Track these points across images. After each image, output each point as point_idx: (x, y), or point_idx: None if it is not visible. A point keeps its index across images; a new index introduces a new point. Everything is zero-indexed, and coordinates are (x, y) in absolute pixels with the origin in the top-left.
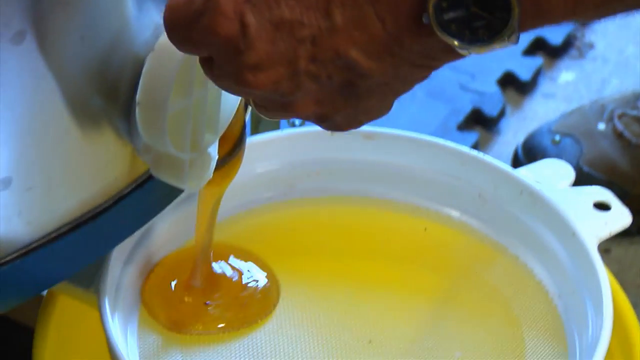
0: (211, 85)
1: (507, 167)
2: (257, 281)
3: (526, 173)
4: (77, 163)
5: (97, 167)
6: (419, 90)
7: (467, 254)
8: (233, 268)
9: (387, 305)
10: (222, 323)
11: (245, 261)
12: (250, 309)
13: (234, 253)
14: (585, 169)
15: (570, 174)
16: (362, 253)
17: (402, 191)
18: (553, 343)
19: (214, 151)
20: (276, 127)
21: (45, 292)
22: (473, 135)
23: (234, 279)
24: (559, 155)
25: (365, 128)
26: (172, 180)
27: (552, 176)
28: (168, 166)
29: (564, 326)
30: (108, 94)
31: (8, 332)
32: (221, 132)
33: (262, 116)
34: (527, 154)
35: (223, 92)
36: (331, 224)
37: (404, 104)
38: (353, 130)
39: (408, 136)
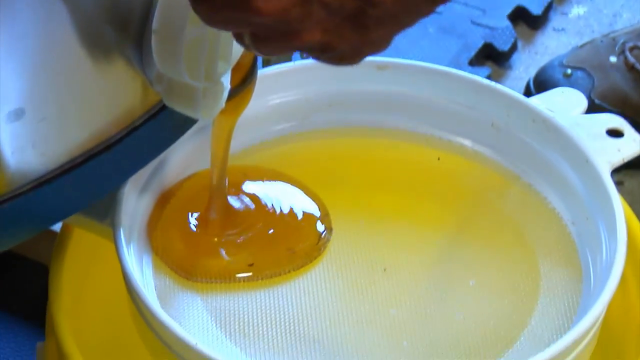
0: None
1: (520, 96)
2: (298, 212)
3: (539, 101)
4: (90, 94)
5: (109, 98)
6: (430, 26)
7: (480, 182)
8: (261, 195)
9: (401, 234)
10: (245, 271)
11: (283, 187)
12: (285, 248)
13: (266, 176)
14: (597, 101)
15: (582, 101)
16: (376, 183)
17: (415, 121)
18: (567, 269)
19: (226, 81)
20: (288, 59)
21: (59, 227)
22: (485, 70)
23: (264, 208)
24: None
25: (379, 58)
26: (186, 110)
27: (564, 104)
28: (181, 95)
29: (578, 252)
30: (120, 24)
31: (24, 270)
32: (234, 61)
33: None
34: (539, 87)
35: None
36: (345, 155)
37: (415, 39)
38: (366, 61)
39: (421, 66)
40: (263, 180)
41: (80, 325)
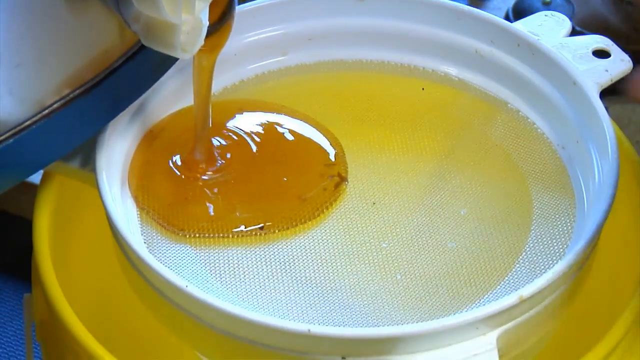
0: None
1: (503, 21)
2: (309, 150)
3: (522, 26)
4: (65, 37)
5: (85, 41)
6: None
7: (467, 111)
8: (263, 131)
9: (388, 167)
10: (239, 223)
11: (288, 121)
12: (296, 197)
13: (267, 109)
14: (577, 28)
15: (566, 24)
16: (360, 117)
17: (397, 52)
18: (560, 194)
19: (205, 17)
20: None
21: (40, 177)
22: (462, 1)
23: (267, 146)
24: None
25: None
26: (165, 48)
27: (548, 27)
28: (160, 33)
29: (569, 177)
30: None
31: (5, 225)
32: None
33: None
34: (518, 16)
35: None
36: (327, 90)
37: None
38: None
39: None
40: (264, 115)
41: (67, 274)
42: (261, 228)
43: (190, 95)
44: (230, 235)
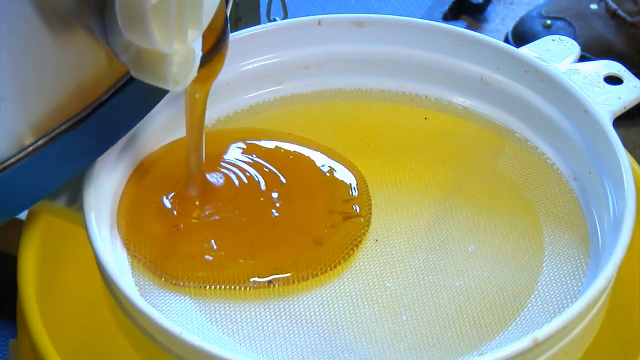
0: None
1: (509, 46)
2: (325, 184)
3: (528, 51)
4: (50, 69)
5: (71, 73)
6: None
7: (472, 141)
8: (271, 165)
9: (391, 201)
10: (242, 273)
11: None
12: (311, 240)
13: (273, 138)
14: (580, 52)
15: (575, 49)
16: (360, 148)
17: (397, 80)
18: (572, 228)
19: (197, 47)
20: (257, 23)
21: (25, 216)
22: (460, 25)
23: (275, 182)
24: None
25: (355, 15)
26: (156, 80)
27: (556, 52)
28: (151, 65)
29: (582, 210)
30: None
31: None
32: (205, 26)
33: None
34: (518, 40)
35: None
36: (325, 120)
37: None
38: (342, 18)
39: (401, 20)
40: (269, 143)
41: (55, 317)
42: (269, 282)
43: (183, 126)
44: (232, 288)
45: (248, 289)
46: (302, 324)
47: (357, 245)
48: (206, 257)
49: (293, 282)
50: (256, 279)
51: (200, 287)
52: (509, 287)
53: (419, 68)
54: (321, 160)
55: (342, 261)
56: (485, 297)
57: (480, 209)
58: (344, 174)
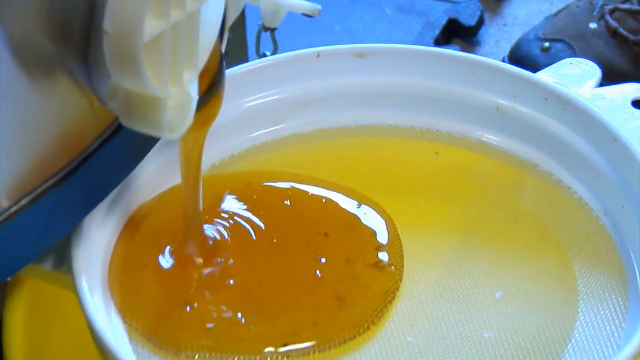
0: (189, 5)
1: (526, 72)
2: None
3: (546, 76)
4: (30, 121)
5: (54, 124)
6: (386, 6)
7: (490, 177)
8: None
9: (405, 246)
10: (253, 341)
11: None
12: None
13: (284, 179)
14: None
15: (596, 72)
16: (367, 188)
17: (404, 114)
18: (607, 268)
19: (194, 90)
20: (244, 59)
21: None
22: (453, 49)
23: (293, 232)
24: (550, 63)
25: (355, 45)
26: (149, 128)
27: (576, 76)
28: (143, 111)
29: (616, 247)
30: (59, 32)
31: None
32: (202, 66)
33: None
34: (518, 64)
35: (202, 17)
36: (328, 160)
37: (371, 23)
38: (342, 49)
39: (405, 49)
40: (277, 186)
41: None
42: (287, 355)
43: (177, 173)
44: (242, 357)
45: (262, 355)
46: None
47: (390, 302)
48: (210, 324)
49: (314, 352)
50: (271, 348)
51: (204, 357)
52: (543, 337)
53: (427, 100)
54: (341, 201)
55: (375, 321)
56: (517, 349)
57: (504, 251)
58: (370, 217)
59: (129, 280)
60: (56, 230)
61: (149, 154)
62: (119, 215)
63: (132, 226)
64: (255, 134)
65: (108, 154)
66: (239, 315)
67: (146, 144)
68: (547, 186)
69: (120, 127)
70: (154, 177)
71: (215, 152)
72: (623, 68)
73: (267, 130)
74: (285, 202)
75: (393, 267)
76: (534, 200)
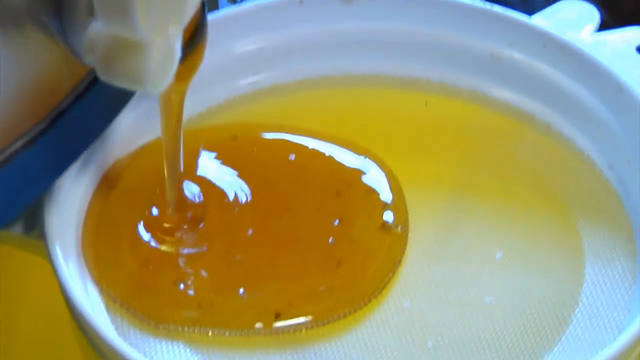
0: None
1: (522, 17)
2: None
3: (542, 20)
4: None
5: (23, 82)
6: None
7: (484, 129)
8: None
9: None
10: (243, 313)
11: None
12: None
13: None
14: None
15: (594, 15)
16: (352, 143)
17: (393, 62)
18: (613, 226)
19: (178, 43)
20: (214, 6)
21: None
22: None
23: (259, 180)
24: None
25: None
26: (130, 80)
27: (574, 21)
28: (125, 60)
29: (623, 204)
30: None
31: None
32: (188, 19)
33: None
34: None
35: None
36: (313, 111)
37: None
38: None
39: None
40: (267, 140)
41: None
42: (276, 316)
43: (155, 126)
44: (230, 332)
45: (253, 330)
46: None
47: (397, 267)
48: (193, 293)
49: (311, 326)
50: (260, 324)
51: (191, 331)
52: (548, 300)
53: (418, 47)
54: (339, 154)
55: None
56: (521, 313)
57: (503, 209)
58: (373, 172)
59: (104, 246)
60: (28, 194)
61: (125, 110)
62: (93, 173)
63: (107, 185)
64: (234, 85)
65: (82, 110)
66: (226, 283)
67: (122, 98)
68: (547, 138)
69: (94, 82)
70: (130, 131)
71: (193, 104)
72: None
73: (247, 81)
74: (277, 156)
75: (399, 228)
76: (532, 154)
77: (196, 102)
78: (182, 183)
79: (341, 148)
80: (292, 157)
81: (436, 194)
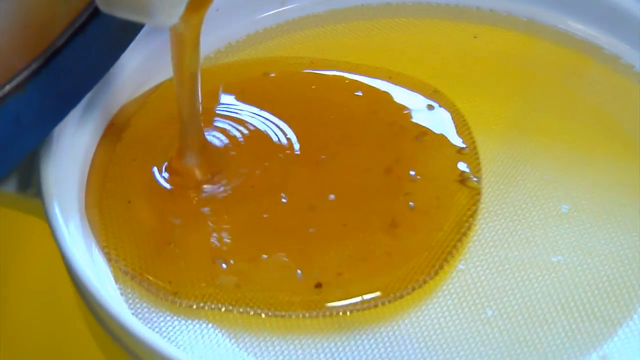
0: None
1: None
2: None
3: None
4: None
5: (13, 15)
6: None
7: (543, 63)
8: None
9: None
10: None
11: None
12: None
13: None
14: None
15: None
16: None
17: None
18: None
19: None
20: None
21: None
22: None
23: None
24: None
25: None
26: (135, 10)
27: None
28: None
29: None
30: None
31: None
32: None
33: None
34: None
35: None
36: (345, 47)
37: None
38: None
39: None
40: (304, 78)
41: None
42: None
43: (165, 67)
44: (257, 311)
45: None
46: None
47: (471, 226)
48: (224, 264)
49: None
50: (302, 298)
51: (208, 307)
52: (625, 258)
53: None
54: (399, 93)
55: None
56: (593, 275)
57: (566, 155)
58: (440, 113)
59: (112, 206)
60: (21, 146)
61: (131, 45)
62: (97, 121)
63: (114, 135)
64: (255, 18)
65: (81, 47)
66: (261, 251)
67: (127, 34)
68: (615, 74)
69: (95, 15)
70: (138, 72)
71: (211, 41)
72: None
73: (270, 12)
74: (320, 96)
75: (476, 179)
76: (600, 92)
77: (214, 38)
78: (201, 128)
79: (404, 88)
80: (343, 98)
81: (489, 137)
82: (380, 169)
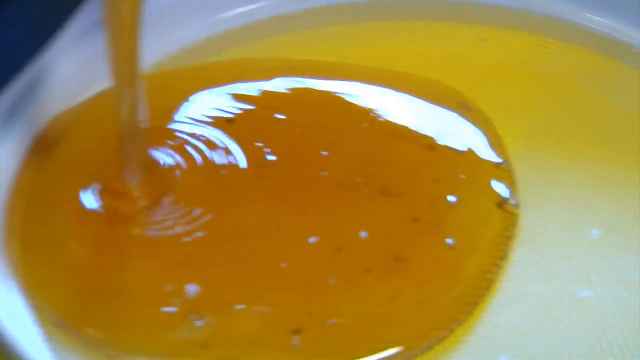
0: None
1: None
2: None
3: None
4: None
5: None
6: None
7: (565, 68)
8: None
9: None
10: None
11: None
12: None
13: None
14: None
15: None
16: None
17: None
18: None
19: None
20: None
21: None
22: None
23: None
24: None
25: None
26: None
27: None
28: None
29: None
30: None
31: None
32: None
33: None
34: None
35: None
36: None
37: None
38: None
39: None
40: (281, 84)
41: None
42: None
43: (105, 74)
44: None
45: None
46: None
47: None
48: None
49: None
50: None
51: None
52: None
53: None
54: (397, 100)
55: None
56: (628, 312)
57: (596, 173)
58: (459, 124)
59: (37, 237)
60: None
61: (66, 45)
62: (22, 133)
63: (42, 151)
64: (218, 17)
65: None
66: (224, 294)
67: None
68: None
69: None
70: (73, 77)
71: (163, 45)
72: None
73: (237, 11)
74: (299, 105)
75: (515, 204)
76: (631, 98)
77: (166, 44)
78: (145, 144)
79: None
80: (327, 105)
81: (509, 154)
82: (369, 188)
